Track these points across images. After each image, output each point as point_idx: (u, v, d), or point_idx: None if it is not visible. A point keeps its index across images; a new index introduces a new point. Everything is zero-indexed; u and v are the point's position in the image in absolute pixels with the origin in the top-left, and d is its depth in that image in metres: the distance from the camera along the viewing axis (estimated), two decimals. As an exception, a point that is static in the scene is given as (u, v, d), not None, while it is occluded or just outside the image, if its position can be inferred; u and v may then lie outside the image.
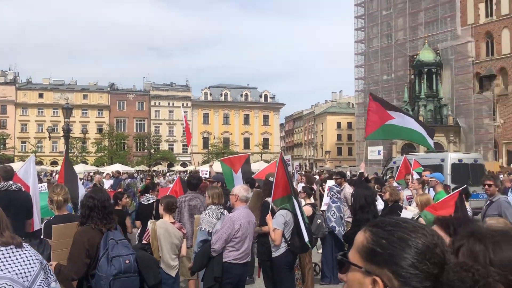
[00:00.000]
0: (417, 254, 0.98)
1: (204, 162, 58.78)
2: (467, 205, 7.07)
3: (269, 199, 5.52)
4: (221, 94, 76.77)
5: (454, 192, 5.90)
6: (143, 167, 59.35)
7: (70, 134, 20.12)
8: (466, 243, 1.16)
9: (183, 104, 72.72)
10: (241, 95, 77.40)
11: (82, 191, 5.50)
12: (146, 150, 68.40)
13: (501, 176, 23.52)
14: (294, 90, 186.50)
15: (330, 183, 8.78)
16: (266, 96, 78.42)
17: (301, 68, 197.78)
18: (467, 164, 16.45)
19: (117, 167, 37.90)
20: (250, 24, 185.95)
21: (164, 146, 71.47)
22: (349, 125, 78.81)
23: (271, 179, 5.79)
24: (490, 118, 46.09)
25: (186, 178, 11.91)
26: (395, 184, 9.45)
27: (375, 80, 54.13)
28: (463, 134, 46.75)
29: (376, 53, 54.16)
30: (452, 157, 16.71)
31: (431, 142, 8.01)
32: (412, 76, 50.08)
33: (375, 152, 49.55)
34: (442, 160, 16.29)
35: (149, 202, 6.52)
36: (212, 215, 5.07)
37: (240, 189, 4.82)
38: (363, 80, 56.43)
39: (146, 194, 6.65)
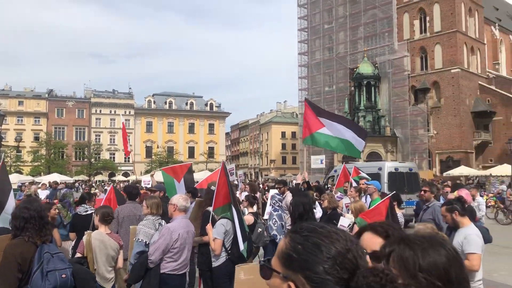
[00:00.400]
0: (328, 260, 1.00)
1: (146, 172, 57.54)
2: (399, 212, 7.43)
3: (210, 209, 5.50)
4: (166, 102, 75.70)
5: (384, 199, 6.20)
6: (83, 177, 57.21)
7: (3, 143, 19.07)
8: (396, 248, 1.19)
9: (125, 112, 71.01)
10: (186, 104, 76.72)
11: (11, 203, 5.20)
12: (86, 159, 66.00)
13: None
14: (240, 100, 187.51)
15: (273, 192, 8.89)
16: (211, 105, 78.23)
17: (247, 78, 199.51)
18: (403, 172, 17.19)
19: (55, 177, 36.27)
20: (196, 33, 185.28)
21: (105, 155, 69.25)
22: (293, 134, 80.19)
23: (212, 188, 5.78)
24: (425, 129, 48.56)
25: (122, 187, 11.65)
26: (338, 194, 9.71)
27: (318, 91, 55.58)
28: (400, 144, 48.90)
29: (318, 65, 55.68)
30: (388, 166, 17.40)
31: (360, 146, 8.17)
32: (352, 88, 51.90)
33: (317, 161, 50.73)
34: (380, 169, 16.93)
35: (87, 213, 6.29)
36: (149, 225, 4.98)
37: (178, 198, 4.77)
38: (306, 91, 57.73)
39: (82, 205, 6.42)
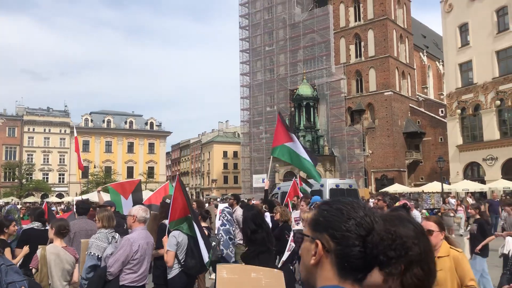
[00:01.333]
0: (348, 220, 1.22)
1: (82, 193, 55.26)
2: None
3: (166, 221, 5.53)
4: (104, 121, 73.59)
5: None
6: (12, 199, 53.91)
7: None
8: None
9: (60, 130, 68.18)
10: (126, 122, 75.01)
11: None
12: (17, 180, 62.37)
13: (372, 200, 25.88)
14: (181, 119, 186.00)
15: (222, 206, 8.99)
16: (152, 124, 77.01)
17: (188, 97, 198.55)
18: (343, 189, 17.92)
19: (-18, 198, 34.02)
20: (135, 52, 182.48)
21: (37, 176, 65.80)
22: (235, 154, 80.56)
23: (167, 201, 5.80)
24: (361, 149, 50.62)
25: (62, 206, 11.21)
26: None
27: (259, 111, 56.51)
28: (338, 163, 50.62)
29: (260, 86, 56.76)
30: (330, 182, 18.09)
31: (316, 172, 8.67)
32: (293, 109, 53.29)
33: (259, 180, 51.55)
34: (322, 185, 17.53)
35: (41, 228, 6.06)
36: (102, 239, 4.93)
37: (138, 209, 4.78)
38: (248, 111, 58.48)
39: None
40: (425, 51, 60.42)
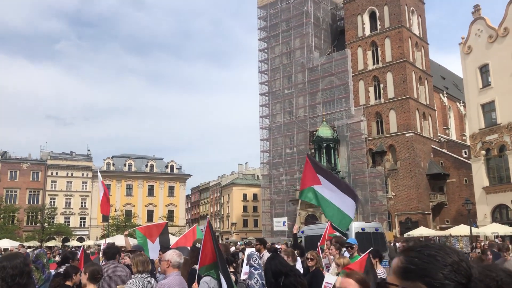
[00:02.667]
0: (445, 267, 1.12)
1: (102, 237, 55.31)
2: (381, 269, 7.54)
3: (196, 266, 5.40)
4: (125, 164, 74.50)
5: (364, 254, 6.48)
6: (34, 243, 54.13)
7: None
8: None
9: (82, 174, 69.11)
10: (146, 166, 75.75)
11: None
12: (38, 224, 62.83)
13: (398, 244, 25.15)
14: (201, 162, 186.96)
15: (248, 250, 8.78)
16: (172, 167, 77.57)
17: (208, 140, 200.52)
18: (369, 232, 17.45)
19: (5, 243, 34.29)
20: (157, 97, 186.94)
21: (59, 219, 66.27)
22: (255, 196, 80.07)
23: (198, 245, 5.69)
24: (383, 191, 49.83)
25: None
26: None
27: (279, 153, 56.57)
28: (360, 206, 49.67)
29: (279, 128, 57.09)
30: (355, 226, 17.61)
31: (351, 213, 8.40)
32: (313, 150, 53.17)
33: (280, 223, 50.82)
34: (347, 229, 17.11)
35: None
36: (137, 284, 4.83)
37: (172, 254, 4.69)
38: (267, 153, 58.60)
39: (66, 264, 6.12)
40: (445, 92, 60.26)
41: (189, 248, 7.20)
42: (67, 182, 69.27)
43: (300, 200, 9.05)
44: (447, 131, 59.30)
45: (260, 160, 60.24)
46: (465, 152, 50.75)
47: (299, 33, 56.39)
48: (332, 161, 51.49)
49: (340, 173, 51.36)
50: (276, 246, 17.99)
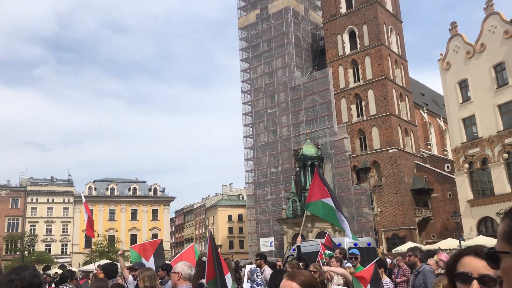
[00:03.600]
0: None
1: (85, 263, 53.97)
2: (387, 278, 7.44)
3: (203, 281, 5.19)
4: (107, 189, 73.25)
5: (370, 264, 6.47)
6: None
7: None
8: None
9: (63, 200, 67.65)
10: (129, 189, 74.60)
11: None
12: (18, 253, 60.95)
13: (388, 259, 25.08)
14: (185, 184, 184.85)
15: (249, 267, 8.57)
16: (155, 190, 76.55)
17: (192, 161, 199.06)
18: (362, 247, 17.33)
19: (-16, 272, 33.00)
20: (138, 119, 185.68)
21: (40, 247, 64.37)
22: (240, 217, 79.43)
23: (204, 259, 5.49)
24: (369, 207, 49.94)
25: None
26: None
27: (264, 173, 56.42)
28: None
29: (263, 147, 57.09)
30: (348, 241, 17.52)
31: (346, 228, 8.39)
32: (298, 169, 53.22)
33: (267, 243, 50.36)
34: (339, 244, 16.98)
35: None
36: (145, 300, 4.62)
37: (183, 266, 4.48)
38: (252, 173, 58.40)
39: (65, 284, 5.81)
40: (425, 108, 61.33)
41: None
42: (48, 208, 67.62)
43: (305, 212, 9.02)
44: (428, 147, 60.12)
45: (245, 180, 60.02)
46: (448, 167, 51.45)
47: (280, 53, 57.02)
48: (317, 179, 51.47)
49: (326, 191, 51.39)
50: (279, 262, 17.71)
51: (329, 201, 8.17)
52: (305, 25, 59.59)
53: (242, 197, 77.30)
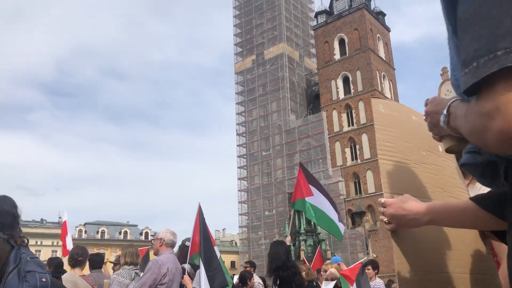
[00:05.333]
0: None
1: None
2: (379, 279, 7.25)
3: (185, 265, 4.99)
4: (98, 232, 71.86)
5: (357, 263, 6.54)
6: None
7: None
8: None
9: (52, 242, 66.13)
10: (120, 233, 73.23)
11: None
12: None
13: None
14: (177, 229, 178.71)
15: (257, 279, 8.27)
16: (146, 234, 75.04)
17: (184, 206, 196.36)
18: None
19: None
20: (132, 164, 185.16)
21: (25, 291, 62.23)
22: (233, 264, 77.41)
23: (187, 243, 5.32)
24: (364, 252, 49.01)
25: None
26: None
27: (258, 216, 55.72)
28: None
29: (258, 190, 56.70)
30: None
31: (342, 229, 8.14)
32: (292, 212, 52.56)
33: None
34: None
35: None
36: (124, 275, 4.41)
37: (165, 232, 4.32)
38: (246, 216, 57.68)
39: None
40: (418, 154, 61.64)
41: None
42: (36, 251, 65.81)
43: (293, 210, 8.76)
44: (423, 192, 59.93)
45: (238, 223, 59.15)
46: (443, 212, 51.12)
47: (275, 97, 57.89)
48: (312, 223, 50.81)
49: (320, 235, 50.59)
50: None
51: (312, 199, 7.93)
52: (299, 70, 60.93)
53: (236, 243, 75.90)
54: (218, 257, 5.03)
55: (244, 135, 60.57)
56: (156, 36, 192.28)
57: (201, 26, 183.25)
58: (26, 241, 3.00)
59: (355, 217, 51.44)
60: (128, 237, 73.41)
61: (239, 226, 59.16)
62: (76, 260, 4.13)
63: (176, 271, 4.15)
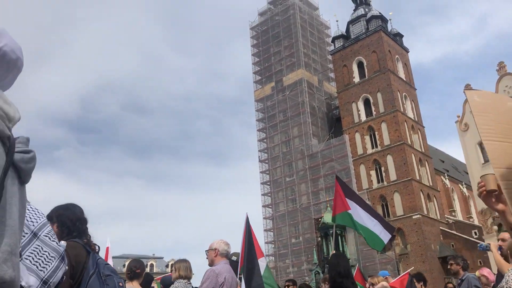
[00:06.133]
0: None
1: None
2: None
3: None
4: (124, 265, 71.66)
5: (404, 273, 6.63)
6: None
7: None
8: None
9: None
10: (146, 266, 72.93)
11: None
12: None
13: None
14: (203, 260, 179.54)
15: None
16: (172, 266, 74.68)
17: (209, 237, 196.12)
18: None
19: None
20: (155, 197, 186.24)
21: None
22: (260, 294, 76.24)
23: (233, 258, 5.15)
24: (395, 277, 47.46)
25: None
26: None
27: (284, 244, 54.83)
28: (374, 295, 47.09)
29: (283, 217, 56.01)
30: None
31: (386, 238, 7.89)
32: (319, 239, 51.55)
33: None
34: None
35: None
36: (181, 288, 4.25)
37: (219, 243, 4.15)
38: (272, 244, 56.85)
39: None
40: (446, 174, 60.34)
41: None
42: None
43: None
44: (453, 214, 58.31)
45: (265, 252, 58.20)
46: (475, 233, 49.47)
47: (296, 122, 57.83)
48: (341, 249, 49.59)
49: (350, 261, 49.36)
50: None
51: (351, 212, 7.80)
52: (319, 95, 60.96)
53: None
54: (264, 268, 4.90)
55: (267, 161, 60.39)
56: (176, 69, 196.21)
57: (220, 57, 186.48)
58: (97, 248, 2.98)
59: (385, 241, 50.13)
60: (155, 270, 73.09)
61: (266, 255, 58.22)
62: (135, 273, 4.09)
63: (232, 281, 3.95)
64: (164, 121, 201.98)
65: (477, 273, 7.59)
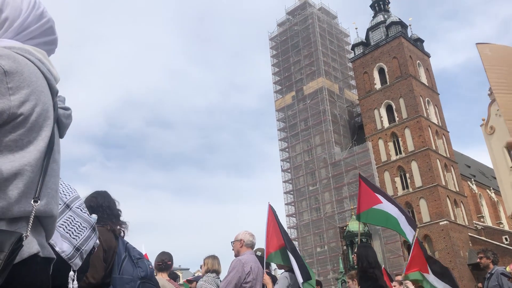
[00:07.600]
0: None
1: None
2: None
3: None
4: (151, 277, 72.44)
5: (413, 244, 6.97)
6: None
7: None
8: None
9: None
10: (172, 277, 73.43)
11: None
12: None
13: None
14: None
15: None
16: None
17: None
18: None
19: None
20: (180, 209, 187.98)
21: None
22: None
23: (258, 253, 5.33)
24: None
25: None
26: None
27: (310, 253, 54.47)
28: (402, 303, 46.28)
29: (307, 226, 55.76)
30: None
31: (410, 235, 7.99)
32: (345, 247, 51.13)
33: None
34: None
35: None
36: (210, 282, 4.51)
37: (245, 234, 4.35)
38: (297, 253, 56.59)
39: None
40: (472, 179, 59.14)
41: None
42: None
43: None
44: (482, 220, 56.98)
45: (290, 262, 57.95)
46: (506, 239, 48.27)
47: (318, 130, 57.75)
48: (366, 257, 49.23)
49: (376, 269, 48.81)
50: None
51: (381, 206, 7.84)
52: (340, 103, 60.81)
53: (288, 282, 74.22)
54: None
55: (289, 171, 60.36)
56: (198, 83, 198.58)
57: (241, 69, 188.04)
58: (123, 232, 3.18)
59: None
60: (181, 281, 73.39)
61: (291, 264, 57.97)
62: (166, 264, 4.31)
63: (258, 271, 4.14)
64: (187, 134, 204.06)
65: (507, 268, 7.61)
